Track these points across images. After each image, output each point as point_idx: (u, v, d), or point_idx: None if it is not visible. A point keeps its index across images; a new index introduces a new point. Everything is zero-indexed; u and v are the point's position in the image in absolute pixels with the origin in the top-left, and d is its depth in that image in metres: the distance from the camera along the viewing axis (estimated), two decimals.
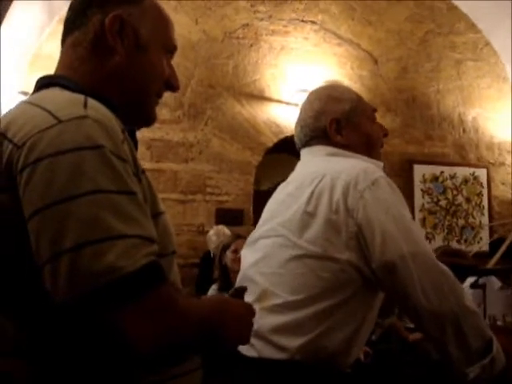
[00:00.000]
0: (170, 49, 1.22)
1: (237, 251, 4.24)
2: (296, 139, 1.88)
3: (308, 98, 1.89)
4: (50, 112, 0.95)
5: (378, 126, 1.87)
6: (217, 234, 5.29)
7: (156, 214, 1.04)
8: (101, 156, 0.91)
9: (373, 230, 1.51)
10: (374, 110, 1.89)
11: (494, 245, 4.08)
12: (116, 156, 0.93)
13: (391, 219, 1.52)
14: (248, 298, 1.64)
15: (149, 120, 1.23)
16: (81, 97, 1.00)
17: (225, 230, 5.29)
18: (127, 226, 0.89)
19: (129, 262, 0.86)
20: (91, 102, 0.99)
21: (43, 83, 1.12)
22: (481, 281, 3.31)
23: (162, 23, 1.20)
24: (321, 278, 1.54)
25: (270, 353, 1.55)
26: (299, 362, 1.52)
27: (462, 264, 3.76)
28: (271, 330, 1.56)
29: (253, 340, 1.58)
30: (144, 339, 0.87)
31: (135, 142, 1.11)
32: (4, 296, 0.94)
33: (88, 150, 0.90)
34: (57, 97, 1.03)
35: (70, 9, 1.18)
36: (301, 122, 1.86)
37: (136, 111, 1.18)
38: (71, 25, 1.16)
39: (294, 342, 1.52)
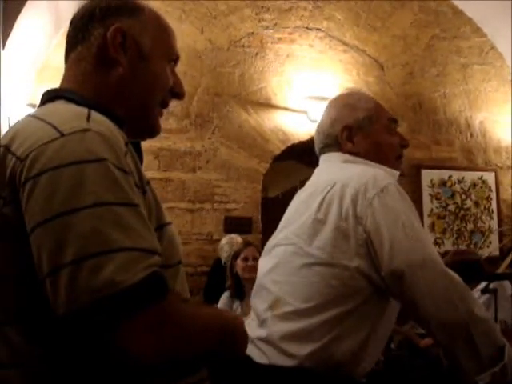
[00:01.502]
0: (173, 58, 1.23)
1: (247, 259, 4.24)
2: (315, 146, 1.89)
3: (327, 105, 1.90)
4: (53, 125, 0.95)
5: (396, 136, 1.85)
6: (229, 242, 5.27)
7: (161, 226, 1.04)
8: (102, 169, 0.91)
9: (381, 237, 1.50)
10: (392, 120, 1.87)
11: (507, 251, 4.06)
12: (118, 168, 0.93)
13: (400, 227, 1.51)
14: (261, 305, 1.66)
15: (153, 131, 1.23)
16: (84, 110, 1.00)
17: (237, 239, 5.28)
18: (128, 239, 0.88)
19: (128, 276, 0.85)
20: (95, 114, 0.99)
21: (49, 97, 1.13)
22: (492, 286, 3.29)
23: (164, 33, 1.21)
24: (331, 286, 1.54)
25: (280, 360, 1.55)
26: (309, 369, 1.51)
27: (470, 259, 3.75)
28: (282, 337, 1.56)
29: (264, 347, 1.59)
30: (146, 353, 0.86)
31: (140, 155, 1.12)
32: (10, 308, 0.94)
33: (90, 163, 0.90)
34: (61, 110, 1.04)
35: (72, 24, 1.19)
36: (318, 129, 1.88)
37: (140, 123, 1.18)
38: (73, 40, 1.17)
39: (303, 350, 1.52)
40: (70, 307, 0.84)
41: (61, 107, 1.06)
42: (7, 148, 0.97)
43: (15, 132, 1.00)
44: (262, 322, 1.63)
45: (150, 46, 1.16)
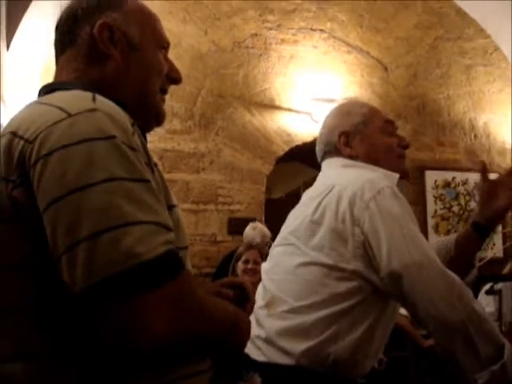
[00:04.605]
0: (163, 44, 1.24)
1: (248, 262, 4.25)
2: (317, 155, 1.96)
3: (325, 117, 1.97)
4: (60, 108, 0.96)
5: (394, 138, 1.88)
6: (253, 227, 5.24)
7: (169, 207, 1.05)
8: (113, 146, 0.91)
9: (379, 239, 1.52)
10: (389, 122, 1.91)
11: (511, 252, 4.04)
12: (128, 146, 0.94)
13: (397, 229, 1.53)
14: (258, 303, 1.69)
15: (159, 118, 1.23)
16: (89, 93, 1.01)
17: (263, 228, 5.23)
18: (143, 213, 0.89)
19: (147, 249, 0.86)
20: (99, 97, 1.00)
21: (46, 90, 1.13)
22: (497, 287, 3.29)
23: (149, 21, 1.21)
24: (327, 285, 1.57)
25: (277, 357, 1.57)
26: (305, 367, 1.53)
27: None
28: (278, 334, 1.59)
29: (262, 345, 1.61)
30: (163, 327, 0.86)
31: (145, 138, 1.11)
32: (16, 298, 0.93)
33: (99, 140, 0.91)
34: (65, 95, 1.04)
35: (57, 29, 1.20)
36: (318, 139, 1.95)
37: (144, 111, 1.18)
38: (61, 45, 1.18)
39: (298, 347, 1.54)
40: (88, 281, 0.84)
41: (64, 93, 1.06)
42: (14, 133, 0.97)
43: (21, 118, 1.01)
44: (258, 321, 1.66)
45: (138, 36, 1.17)
